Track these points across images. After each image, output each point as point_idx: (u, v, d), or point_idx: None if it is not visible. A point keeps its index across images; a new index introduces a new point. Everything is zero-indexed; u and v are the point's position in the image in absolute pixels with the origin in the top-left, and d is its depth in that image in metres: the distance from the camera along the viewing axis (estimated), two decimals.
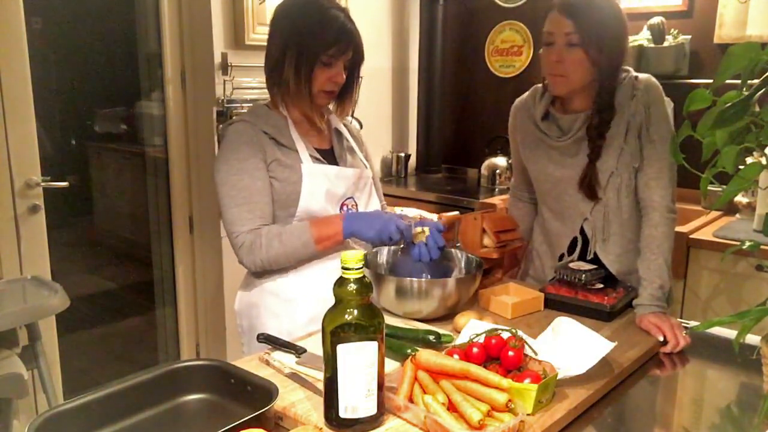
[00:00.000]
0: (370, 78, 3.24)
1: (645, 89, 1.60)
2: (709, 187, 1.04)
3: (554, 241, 1.80)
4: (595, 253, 1.71)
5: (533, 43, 3.38)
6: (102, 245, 4.18)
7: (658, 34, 2.84)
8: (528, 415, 1.07)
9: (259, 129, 1.57)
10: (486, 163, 3.45)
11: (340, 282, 1.02)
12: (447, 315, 1.50)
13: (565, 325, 1.30)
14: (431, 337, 1.32)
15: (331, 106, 1.71)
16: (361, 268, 1.01)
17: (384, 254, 1.66)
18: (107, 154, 3.96)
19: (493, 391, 1.05)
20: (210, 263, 2.96)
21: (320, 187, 1.59)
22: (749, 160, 2.07)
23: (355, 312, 1.01)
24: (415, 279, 1.49)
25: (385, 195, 1.92)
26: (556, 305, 1.59)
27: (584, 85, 1.61)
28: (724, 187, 0.98)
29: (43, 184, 2.37)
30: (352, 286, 1.01)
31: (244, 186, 1.53)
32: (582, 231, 1.73)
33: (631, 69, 1.66)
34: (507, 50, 3.50)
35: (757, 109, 0.93)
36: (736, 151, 0.94)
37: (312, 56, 1.52)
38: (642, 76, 1.63)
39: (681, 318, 1.82)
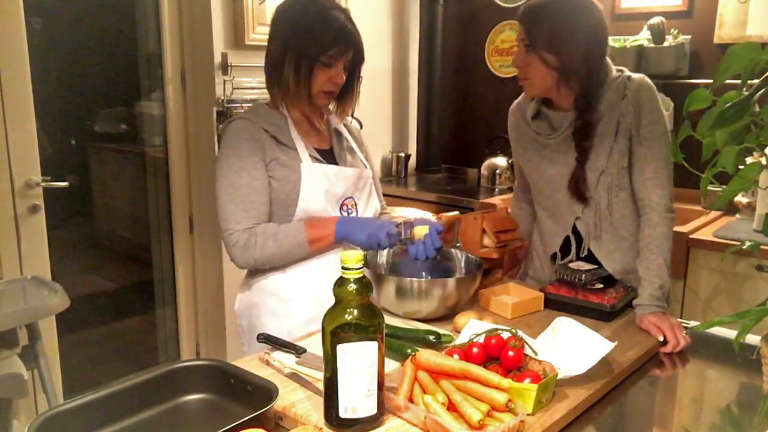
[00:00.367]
0: (370, 78, 3.23)
1: (636, 89, 1.60)
2: (709, 187, 1.04)
3: (547, 241, 1.81)
4: (591, 252, 1.71)
5: None
6: (102, 245, 4.18)
7: (658, 34, 2.84)
8: (528, 415, 1.07)
9: (259, 126, 1.57)
10: (486, 163, 3.45)
11: (340, 282, 1.02)
12: (447, 315, 1.50)
13: (565, 325, 1.30)
14: (431, 337, 1.32)
15: (331, 107, 1.71)
16: (361, 268, 1.01)
17: (384, 254, 1.66)
18: (107, 154, 3.96)
19: (493, 391, 1.05)
20: (210, 263, 2.96)
21: (319, 187, 1.59)
22: (749, 160, 2.07)
23: (355, 312, 1.01)
24: (415, 279, 1.49)
25: (385, 195, 1.92)
26: (556, 305, 1.59)
27: (552, 86, 1.62)
28: (724, 187, 0.98)
29: (43, 184, 2.37)
30: (352, 286, 1.01)
31: (243, 184, 1.54)
32: (575, 230, 1.73)
33: (625, 69, 1.66)
34: (507, 50, 3.50)
35: (757, 109, 0.93)
36: (736, 151, 0.94)
37: (312, 57, 1.52)
38: (635, 76, 1.63)
39: (681, 318, 1.82)
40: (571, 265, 1.66)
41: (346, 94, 1.67)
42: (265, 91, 1.64)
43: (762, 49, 0.90)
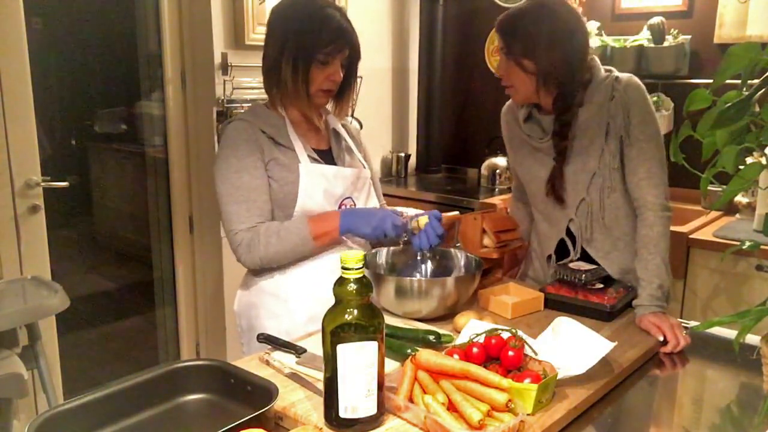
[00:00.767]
0: (370, 78, 3.25)
1: (624, 90, 1.60)
2: (709, 187, 1.04)
3: (543, 242, 1.82)
4: (587, 253, 1.71)
5: None
6: (102, 245, 4.18)
7: (658, 34, 2.84)
8: (528, 415, 1.07)
9: (257, 128, 1.58)
10: (486, 163, 3.45)
11: (340, 282, 1.02)
12: (447, 315, 1.50)
13: (565, 325, 1.30)
14: (431, 337, 1.32)
15: (329, 107, 1.71)
16: (361, 268, 1.01)
17: (384, 254, 1.66)
18: (107, 154, 3.97)
19: (493, 391, 1.05)
20: (210, 263, 2.96)
21: (318, 187, 1.59)
22: (749, 160, 2.07)
23: (355, 312, 1.01)
24: (414, 279, 1.49)
25: (385, 195, 1.92)
26: (556, 305, 1.59)
27: (535, 92, 1.64)
28: (724, 187, 0.98)
29: (43, 184, 2.37)
30: (352, 286, 1.01)
31: (243, 184, 1.54)
32: (569, 232, 1.73)
33: (613, 69, 1.67)
34: None
35: (757, 109, 0.93)
36: (736, 151, 0.94)
37: (309, 55, 1.53)
38: (623, 76, 1.63)
39: (681, 318, 1.82)
40: (571, 265, 1.66)
41: (345, 93, 1.67)
42: (264, 90, 1.65)
43: (762, 49, 0.90)
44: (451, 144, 3.83)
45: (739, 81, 0.93)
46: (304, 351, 1.29)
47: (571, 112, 1.63)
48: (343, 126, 1.76)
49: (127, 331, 3.61)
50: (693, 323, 1.57)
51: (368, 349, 1.01)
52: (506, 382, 1.06)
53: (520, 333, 1.22)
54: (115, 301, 3.82)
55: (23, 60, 2.27)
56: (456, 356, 1.17)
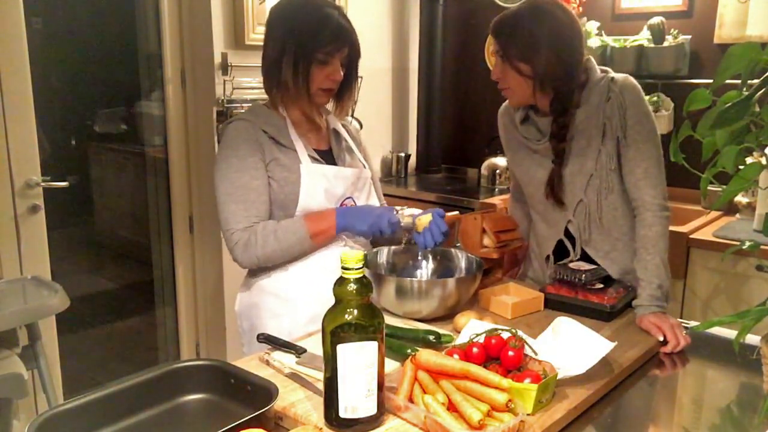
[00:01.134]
0: (370, 78, 3.25)
1: (620, 90, 1.60)
2: (709, 187, 1.04)
3: (541, 243, 1.82)
4: (587, 254, 1.71)
5: None
6: (102, 245, 4.18)
7: (658, 34, 2.84)
8: (528, 415, 1.07)
9: (258, 128, 1.58)
10: (486, 163, 3.45)
11: (340, 282, 1.02)
12: (447, 315, 1.50)
13: (565, 325, 1.30)
14: (431, 337, 1.32)
15: (330, 106, 1.71)
16: (361, 268, 1.01)
17: (384, 254, 1.66)
18: (107, 154, 3.97)
19: (493, 391, 1.05)
20: (210, 263, 2.96)
21: (319, 187, 1.59)
22: (749, 160, 2.07)
23: (355, 312, 1.01)
24: (415, 279, 1.49)
25: (385, 195, 1.92)
26: (556, 305, 1.59)
27: (532, 94, 1.64)
28: (724, 187, 0.98)
29: (43, 184, 2.37)
30: (352, 286, 1.01)
31: (242, 184, 1.54)
32: (568, 233, 1.73)
33: (609, 70, 1.67)
34: None
35: (757, 109, 0.93)
36: (736, 151, 0.94)
37: (308, 55, 1.53)
38: (619, 76, 1.63)
39: (681, 318, 1.82)
40: (571, 265, 1.66)
41: (345, 92, 1.67)
42: (264, 91, 1.65)
43: (762, 49, 0.90)
44: (451, 144, 3.82)
45: (739, 81, 0.93)
46: (304, 351, 1.29)
47: (568, 114, 1.63)
48: (343, 126, 1.76)
49: (127, 331, 3.61)
50: (693, 323, 1.57)
51: (368, 349, 1.01)
52: (506, 382, 1.06)
53: (520, 333, 1.22)
54: (115, 301, 3.82)
55: (23, 60, 2.27)
56: (456, 356, 1.17)
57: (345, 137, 1.73)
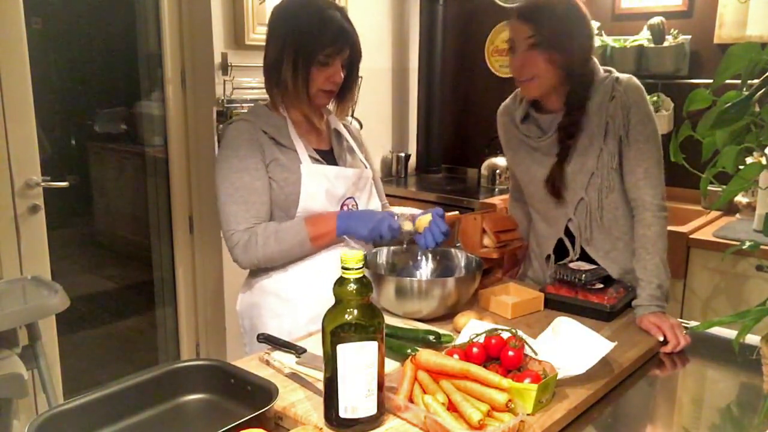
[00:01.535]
0: (370, 78, 3.25)
1: (624, 90, 1.60)
2: (709, 187, 1.04)
3: (541, 242, 1.81)
4: (587, 253, 1.71)
5: None
6: (102, 245, 4.18)
7: (658, 34, 2.84)
8: (528, 415, 1.07)
9: (259, 128, 1.58)
10: (486, 163, 3.45)
11: (340, 282, 1.02)
12: (447, 315, 1.50)
13: (565, 325, 1.30)
14: (431, 337, 1.32)
15: (330, 107, 1.71)
16: (361, 268, 1.01)
17: (384, 254, 1.66)
18: (107, 154, 3.97)
19: (493, 391, 1.05)
20: (210, 263, 2.96)
21: (320, 188, 1.59)
22: (749, 160, 2.07)
23: (355, 312, 1.01)
24: (415, 279, 1.49)
25: (385, 195, 1.92)
26: (556, 305, 1.59)
27: (555, 86, 1.63)
28: (724, 187, 0.98)
29: (43, 184, 2.37)
30: (352, 286, 1.01)
31: (243, 184, 1.54)
32: (568, 232, 1.73)
33: (613, 70, 1.67)
34: (507, 50, 3.48)
35: (757, 109, 0.93)
36: (736, 151, 0.94)
37: (309, 56, 1.53)
38: (623, 77, 1.63)
39: (681, 318, 1.82)
40: (571, 265, 1.65)
41: (345, 93, 1.67)
42: (265, 91, 1.65)
43: (762, 49, 0.90)
44: (451, 144, 3.82)
45: (739, 81, 0.93)
46: (304, 351, 1.29)
47: (582, 109, 1.62)
48: (345, 126, 1.76)
49: (127, 331, 3.61)
50: (693, 323, 1.57)
51: (368, 349, 1.01)
52: (506, 382, 1.06)
53: (520, 333, 1.22)
54: (115, 301, 3.82)
55: (23, 60, 2.27)
56: (456, 356, 1.17)
57: (346, 137, 1.73)
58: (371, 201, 1.73)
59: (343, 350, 1.00)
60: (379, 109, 3.66)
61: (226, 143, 1.58)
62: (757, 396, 1.25)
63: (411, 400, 1.09)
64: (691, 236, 2.45)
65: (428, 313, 1.49)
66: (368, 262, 1.55)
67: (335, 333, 1.00)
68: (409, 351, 1.22)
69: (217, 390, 1.16)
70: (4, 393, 1.74)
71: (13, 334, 1.86)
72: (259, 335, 1.40)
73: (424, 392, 1.09)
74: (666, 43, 2.84)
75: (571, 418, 1.13)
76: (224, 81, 2.77)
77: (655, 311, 1.50)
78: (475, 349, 1.18)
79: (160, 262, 3.15)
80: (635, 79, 1.63)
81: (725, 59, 0.91)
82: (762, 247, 1.25)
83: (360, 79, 1.71)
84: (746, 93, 0.92)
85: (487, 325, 1.31)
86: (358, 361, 1.00)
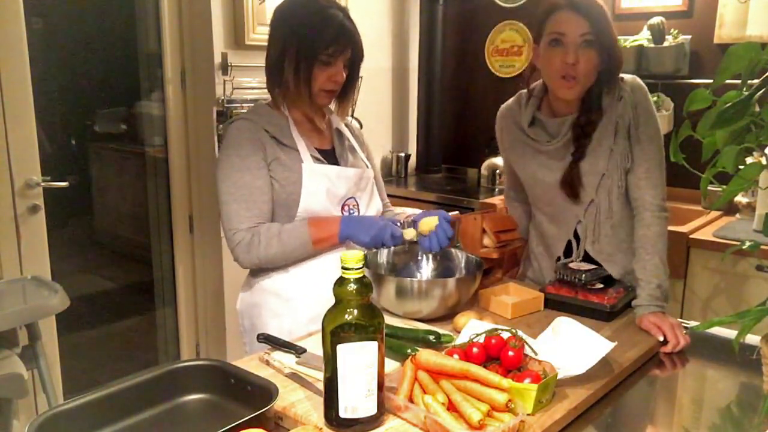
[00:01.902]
0: (370, 78, 3.25)
1: (631, 90, 1.60)
2: (709, 187, 1.04)
3: (551, 244, 1.80)
4: (588, 254, 1.71)
5: (533, 43, 3.38)
6: (102, 245, 4.18)
7: (658, 34, 2.84)
8: (528, 415, 1.07)
9: (260, 127, 1.58)
10: (486, 163, 3.45)
11: (340, 282, 1.02)
12: (447, 315, 1.50)
13: (565, 325, 1.30)
14: (431, 337, 1.32)
15: (332, 106, 1.71)
16: (361, 268, 1.01)
17: (384, 254, 1.66)
18: (107, 154, 3.96)
19: (493, 391, 1.05)
20: (210, 263, 2.96)
21: (321, 187, 1.59)
22: (749, 160, 2.07)
23: (355, 312, 1.01)
24: (415, 279, 1.49)
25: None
26: (556, 305, 1.59)
27: (587, 87, 1.59)
28: (724, 187, 0.98)
29: (43, 184, 2.37)
30: (352, 286, 1.01)
31: (245, 184, 1.54)
32: (576, 233, 1.73)
33: None
34: (507, 50, 3.50)
35: (757, 109, 0.93)
36: (736, 151, 0.94)
37: (311, 55, 1.53)
38: (627, 77, 1.63)
39: (681, 318, 1.82)
40: (571, 265, 1.65)
41: (347, 92, 1.67)
42: (265, 90, 1.65)
43: (762, 49, 0.90)
44: (451, 144, 3.82)
45: (739, 81, 0.93)
46: (304, 351, 1.29)
47: (599, 111, 1.61)
48: (346, 125, 1.76)
49: (127, 331, 3.61)
50: (693, 323, 1.57)
51: (368, 349, 1.01)
52: (506, 382, 1.06)
53: (520, 333, 1.22)
54: (115, 301, 3.81)
55: (23, 60, 2.27)
56: (456, 356, 1.17)
57: (348, 137, 1.73)
58: (372, 201, 1.73)
59: (343, 350, 1.00)
60: (379, 109, 3.66)
61: (227, 142, 1.58)
62: (757, 396, 1.25)
63: (411, 400, 1.09)
64: (691, 236, 2.45)
65: (428, 314, 1.49)
66: (368, 262, 1.55)
67: (335, 333, 1.00)
68: (409, 351, 1.22)
69: (217, 390, 1.16)
70: (4, 393, 1.74)
71: (13, 334, 1.86)
72: (259, 335, 1.40)
73: (424, 392, 1.09)
74: (666, 43, 2.84)
75: (571, 418, 1.13)
76: (224, 81, 2.78)
77: (655, 311, 1.50)
78: (475, 349, 1.18)
79: (160, 262, 3.15)
80: (639, 79, 1.63)
81: (725, 59, 0.91)
82: (762, 247, 1.25)
83: (360, 78, 1.71)
84: (746, 93, 0.92)
85: (487, 325, 1.31)
86: (358, 361, 1.00)
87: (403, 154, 3.71)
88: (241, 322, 1.71)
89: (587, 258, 1.71)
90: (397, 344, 1.28)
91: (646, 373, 1.35)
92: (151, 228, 3.19)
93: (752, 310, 0.99)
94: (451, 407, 1.05)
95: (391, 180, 3.67)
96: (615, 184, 1.63)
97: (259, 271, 1.62)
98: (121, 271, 4.03)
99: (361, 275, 1.01)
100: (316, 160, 1.62)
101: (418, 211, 1.72)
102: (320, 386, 1.09)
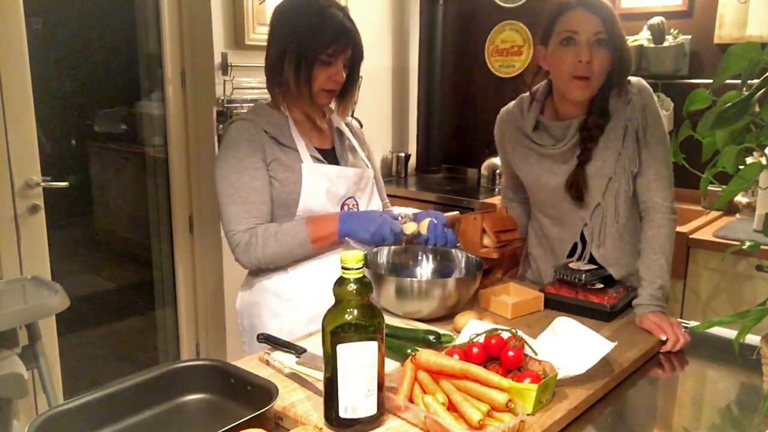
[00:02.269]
0: (370, 78, 3.25)
1: (639, 93, 1.60)
2: (709, 187, 1.04)
3: (555, 246, 1.78)
4: (592, 257, 1.70)
5: (533, 43, 3.38)
6: (102, 245, 4.18)
7: (658, 34, 2.84)
8: (528, 415, 1.07)
9: (260, 128, 1.58)
10: (486, 163, 3.45)
11: (340, 282, 1.02)
12: (447, 315, 1.50)
13: (565, 325, 1.30)
14: (431, 337, 1.32)
15: (332, 106, 1.71)
16: (361, 268, 1.01)
17: (385, 254, 1.66)
18: (107, 154, 3.97)
19: (493, 391, 1.05)
20: (210, 263, 2.96)
21: (320, 187, 1.59)
22: (749, 160, 2.06)
23: (355, 312, 1.01)
24: (415, 279, 1.49)
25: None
26: (556, 305, 1.59)
27: (597, 88, 1.58)
28: (724, 187, 0.98)
29: (43, 184, 2.37)
30: (352, 286, 1.01)
31: (243, 185, 1.54)
32: (582, 236, 1.72)
33: None
34: (507, 50, 3.50)
35: (757, 109, 0.93)
36: (736, 151, 0.94)
37: (311, 55, 1.53)
38: (632, 79, 1.62)
39: (681, 318, 1.82)
40: (571, 265, 1.65)
41: (347, 92, 1.67)
42: (265, 90, 1.65)
43: (762, 49, 0.90)
44: (451, 144, 3.83)
45: (739, 81, 0.93)
46: (304, 351, 1.29)
47: (607, 114, 1.60)
48: (347, 125, 1.76)
49: (127, 331, 3.61)
50: (693, 323, 1.57)
51: (368, 349, 1.01)
52: (506, 382, 1.06)
53: (520, 333, 1.22)
54: (115, 301, 3.82)
55: (23, 60, 2.27)
56: (456, 356, 1.17)
57: (348, 136, 1.73)
58: (372, 201, 1.73)
59: (343, 350, 1.00)
60: (379, 108, 3.66)
61: (226, 143, 1.58)
62: (757, 396, 1.25)
63: (411, 400, 1.09)
64: (691, 236, 2.45)
65: (428, 314, 1.49)
66: (368, 262, 1.55)
67: (335, 333, 1.00)
68: (409, 351, 1.22)
69: (217, 390, 1.16)
70: (4, 393, 1.74)
71: (13, 334, 1.86)
72: (259, 335, 1.40)
73: (424, 392, 1.09)
74: (666, 43, 2.84)
75: (571, 418, 1.13)
76: (224, 81, 2.78)
77: (656, 311, 1.50)
78: (475, 349, 1.18)
79: (160, 262, 3.15)
80: (644, 81, 1.63)
81: (725, 59, 0.91)
82: (762, 247, 1.25)
83: (360, 78, 1.71)
84: (746, 93, 0.92)
85: (487, 325, 1.31)
86: (358, 361, 1.00)
87: (403, 154, 3.71)
88: (240, 321, 1.71)
89: (590, 260, 1.70)
90: (397, 344, 1.28)
91: (646, 373, 1.35)
92: (151, 228, 3.19)
93: (752, 310, 0.99)
94: (451, 407, 1.05)
95: (391, 180, 3.67)
96: (622, 187, 1.62)
97: (259, 270, 1.62)
98: (121, 271, 4.04)
99: (361, 275, 1.01)
100: (316, 159, 1.62)
101: (416, 210, 1.72)
102: (320, 386, 1.09)
